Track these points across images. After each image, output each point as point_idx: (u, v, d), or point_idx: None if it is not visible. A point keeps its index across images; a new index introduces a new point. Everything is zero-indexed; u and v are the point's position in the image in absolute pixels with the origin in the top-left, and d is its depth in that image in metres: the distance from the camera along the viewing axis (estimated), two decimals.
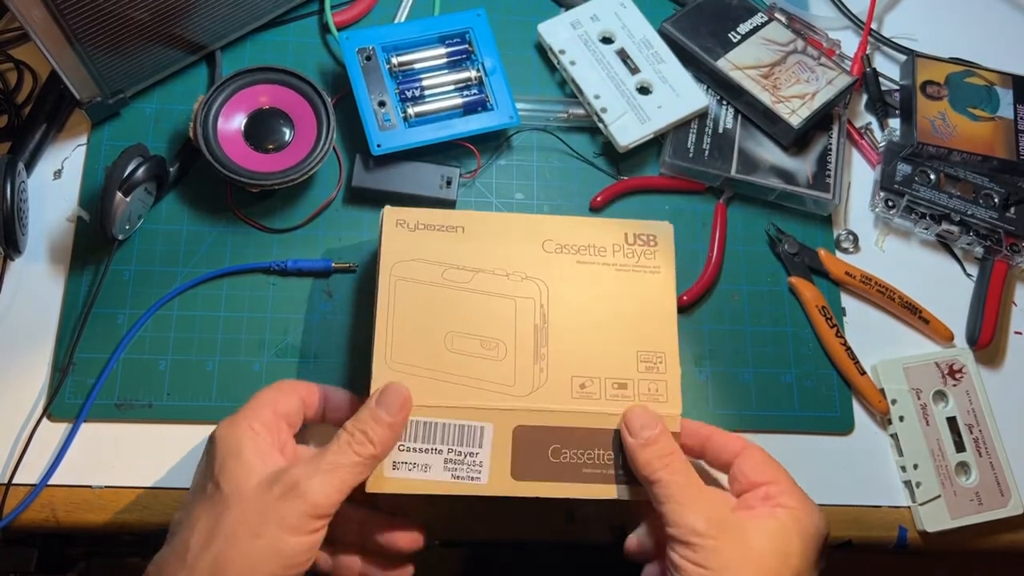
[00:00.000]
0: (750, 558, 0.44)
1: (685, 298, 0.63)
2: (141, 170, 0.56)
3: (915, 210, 0.67)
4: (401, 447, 0.50)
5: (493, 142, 0.66)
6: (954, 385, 0.63)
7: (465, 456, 0.51)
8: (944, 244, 0.69)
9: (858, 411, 0.63)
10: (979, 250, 0.68)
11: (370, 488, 0.49)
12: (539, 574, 0.82)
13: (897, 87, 0.73)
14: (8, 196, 0.55)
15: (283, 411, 0.50)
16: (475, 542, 0.57)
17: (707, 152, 0.66)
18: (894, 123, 0.71)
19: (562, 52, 0.67)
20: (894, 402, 0.62)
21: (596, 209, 0.65)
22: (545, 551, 0.80)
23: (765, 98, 0.65)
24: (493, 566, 0.83)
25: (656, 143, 0.67)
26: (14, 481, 0.54)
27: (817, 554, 0.47)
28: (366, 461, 0.46)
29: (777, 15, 0.71)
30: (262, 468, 0.45)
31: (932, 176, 0.68)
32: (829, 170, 0.67)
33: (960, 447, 0.61)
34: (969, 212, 0.67)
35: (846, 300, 0.66)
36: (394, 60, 0.64)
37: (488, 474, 0.51)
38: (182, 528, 0.45)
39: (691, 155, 0.66)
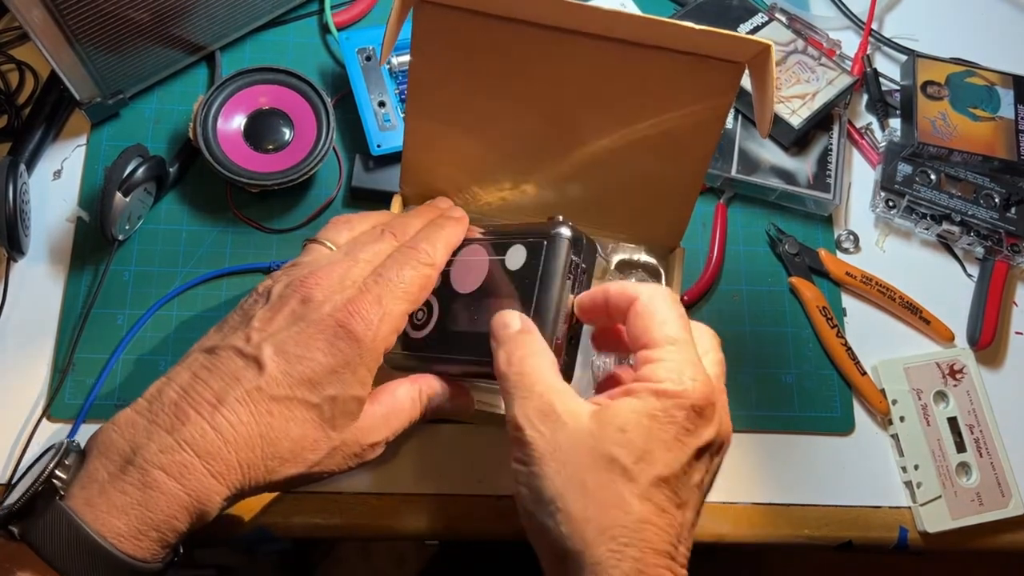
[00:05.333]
0: (575, 442, 0.38)
1: (686, 298, 0.63)
2: (141, 170, 0.56)
3: (916, 210, 0.67)
4: None
5: None
6: (955, 385, 0.63)
7: None
8: (945, 244, 0.69)
9: (858, 411, 0.63)
10: (980, 250, 0.68)
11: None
12: (539, 574, 0.82)
13: (897, 87, 0.73)
14: (11, 198, 0.55)
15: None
16: (475, 542, 0.57)
17: None
18: (895, 123, 0.71)
19: None
20: (895, 402, 0.62)
21: None
22: None
23: None
24: (493, 566, 0.83)
25: None
26: (14, 481, 0.54)
27: (679, 429, 0.39)
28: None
29: (777, 15, 0.71)
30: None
31: (933, 176, 0.68)
32: (829, 170, 0.67)
33: (961, 447, 0.61)
34: (970, 212, 0.67)
35: (847, 300, 0.66)
36: (394, 60, 0.64)
37: None
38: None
39: None
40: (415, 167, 0.55)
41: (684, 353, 0.40)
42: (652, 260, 0.58)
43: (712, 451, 0.40)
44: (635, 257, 0.58)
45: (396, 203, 0.57)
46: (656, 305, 0.42)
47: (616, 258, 0.58)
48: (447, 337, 0.49)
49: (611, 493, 0.37)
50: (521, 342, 0.43)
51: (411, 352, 0.50)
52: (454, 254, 0.51)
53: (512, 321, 0.44)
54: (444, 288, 0.51)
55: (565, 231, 0.46)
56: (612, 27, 0.46)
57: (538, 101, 0.51)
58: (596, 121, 0.51)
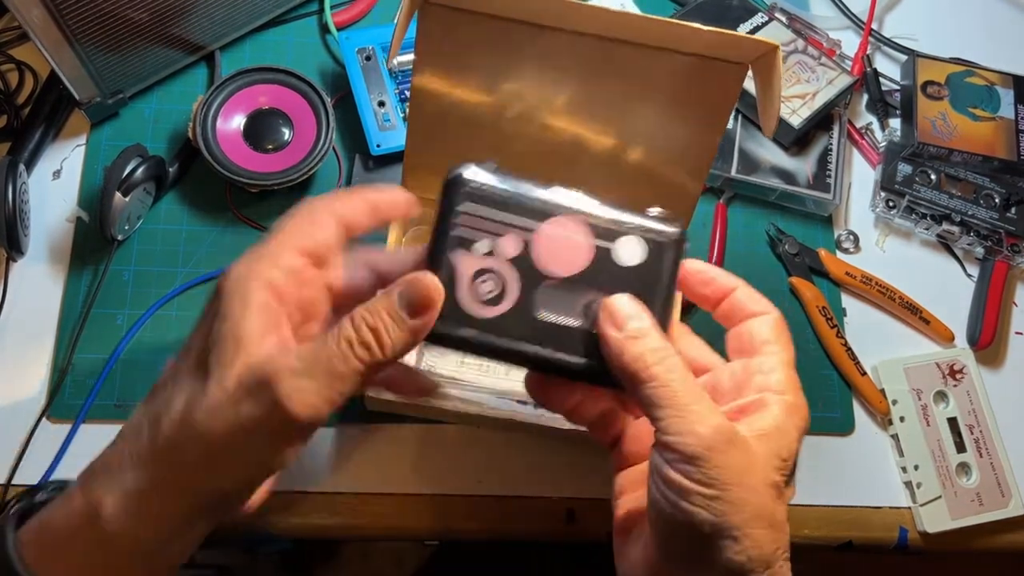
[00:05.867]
0: (755, 468, 0.38)
1: (686, 299, 0.63)
2: (140, 170, 0.56)
3: (916, 210, 0.67)
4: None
5: None
6: (955, 385, 0.63)
7: None
8: (945, 244, 0.69)
9: (859, 412, 0.63)
10: (980, 250, 0.68)
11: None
12: (539, 574, 0.82)
13: (898, 87, 0.73)
14: (11, 198, 0.55)
15: (312, 248, 0.39)
16: (475, 542, 0.57)
17: None
18: (895, 123, 0.71)
19: None
20: (895, 403, 0.62)
21: None
22: (545, 551, 0.80)
23: None
24: (493, 566, 0.83)
25: None
26: (14, 481, 0.54)
27: (800, 444, 0.41)
28: (371, 370, 0.37)
29: (777, 15, 0.71)
30: (257, 351, 0.37)
31: (933, 176, 0.68)
32: (829, 170, 0.67)
33: (961, 448, 0.61)
34: (970, 212, 0.67)
35: (847, 300, 0.66)
36: (394, 60, 0.64)
37: None
38: (162, 399, 0.39)
39: None
40: (417, 167, 0.55)
41: (792, 372, 0.44)
42: None
43: None
44: None
45: None
46: (779, 328, 0.46)
47: None
48: (527, 322, 0.43)
49: (779, 516, 0.40)
50: (659, 341, 0.40)
51: (477, 331, 0.42)
52: (542, 220, 0.43)
53: (635, 311, 0.40)
54: (523, 263, 0.43)
55: (681, 231, 0.45)
56: (618, 28, 0.46)
57: (541, 102, 0.51)
58: (600, 121, 0.51)
